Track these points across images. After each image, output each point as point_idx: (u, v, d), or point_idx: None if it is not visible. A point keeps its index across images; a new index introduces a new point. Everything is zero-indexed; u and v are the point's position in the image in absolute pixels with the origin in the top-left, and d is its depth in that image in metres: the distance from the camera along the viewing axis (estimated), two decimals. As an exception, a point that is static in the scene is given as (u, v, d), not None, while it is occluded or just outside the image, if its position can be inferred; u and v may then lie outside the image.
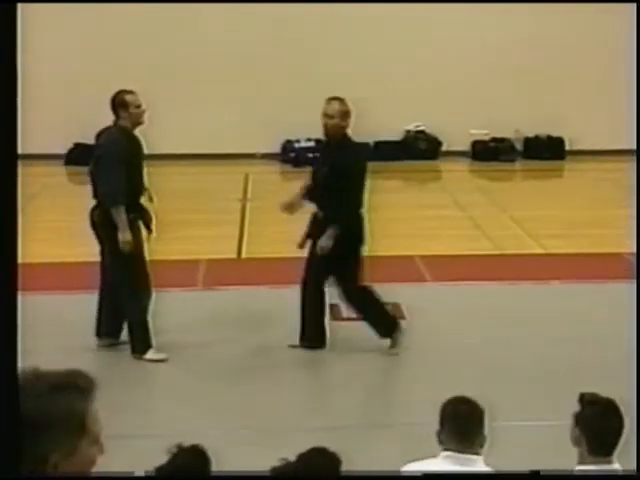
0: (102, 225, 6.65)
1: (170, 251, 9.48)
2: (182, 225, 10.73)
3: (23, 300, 6.92)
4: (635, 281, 7.64)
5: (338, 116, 6.63)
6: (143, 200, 6.87)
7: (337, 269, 6.76)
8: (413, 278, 8.67)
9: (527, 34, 14.75)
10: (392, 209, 11.71)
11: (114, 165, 6.52)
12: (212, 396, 6.28)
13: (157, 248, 9.70)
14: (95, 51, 14.52)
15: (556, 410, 5.10)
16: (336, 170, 6.58)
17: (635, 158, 12.85)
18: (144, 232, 6.79)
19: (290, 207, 6.95)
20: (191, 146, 14.52)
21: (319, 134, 16.96)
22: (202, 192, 12.61)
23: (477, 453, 3.51)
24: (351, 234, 6.73)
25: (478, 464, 3.48)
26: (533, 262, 9.38)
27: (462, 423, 3.52)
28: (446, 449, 3.51)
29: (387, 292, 8.12)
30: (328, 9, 14.63)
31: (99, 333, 6.90)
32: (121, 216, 6.52)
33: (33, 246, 9.82)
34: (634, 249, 8.25)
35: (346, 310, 7.54)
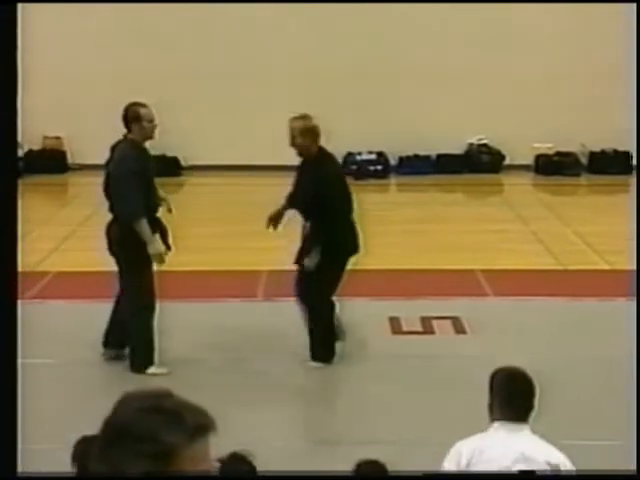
0: (117, 241, 6.64)
1: (231, 262, 9.55)
2: (244, 236, 10.79)
3: (94, 307, 6.92)
4: (635, 299, 7.50)
5: (298, 135, 6.67)
6: (161, 212, 6.85)
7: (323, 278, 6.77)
8: (474, 292, 8.59)
9: (593, 44, 14.56)
10: (454, 223, 11.63)
11: (128, 181, 6.51)
12: (261, 408, 6.29)
13: (218, 259, 9.80)
14: (157, 62, 14.73)
15: (617, 430, 5.01)
16: (313, 188, 6.66)
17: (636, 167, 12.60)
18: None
19: (274, 218, 7.05)
20: (251, 157, 14.61)
21: (381, 147, 16.95)
22: (262, 203, 12.66)
23: (525, 421, 3.73)
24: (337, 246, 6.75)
25: (525, 431, 3.72)
26: (598, 278, 9.22)
27: (512, 392, 3.75)
28: (495, 419, 3.73)
29: (448, 306, 8.06)
30: (386, 21, 14.63)
31: (107, 343, 6.88)
32: (145, 229, 6.50)
33: (108, 255, 10.00)
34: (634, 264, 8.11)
35: (406, 323, 7.50)
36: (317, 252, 6.65)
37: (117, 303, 6.91)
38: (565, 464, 3.72)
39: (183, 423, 1.79)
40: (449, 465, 3.76)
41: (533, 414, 3.79)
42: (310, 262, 6.66)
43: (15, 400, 2.79)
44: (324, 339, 6.84)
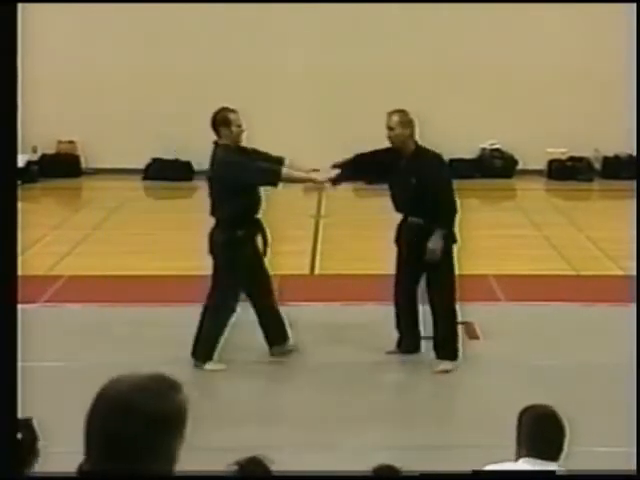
0: (218, 245, 6.75)
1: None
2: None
3: (107, 311, 6.94)
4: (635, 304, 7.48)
5: (398, 126, 6.77)
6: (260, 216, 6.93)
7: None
8: (486, 297, 8.58)
9: (608, 48, 14.52)
10: (466, 228, 11.57)
11: (246, 165, 6.63)
12: (277, 410, 6.30)
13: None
14: (171, 66, 14.78)
15: (626, 437, 4.99)
16: (425, 182, 6.68)
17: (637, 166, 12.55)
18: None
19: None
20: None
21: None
22: (276, 208, 12.68)
23: (555, 460, 3.57)
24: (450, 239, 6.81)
25: (554, 467, 3.55)
26: (611, 283, 9.19)
27: (543, 432, 3.57)
28: (521, 456, 3.58)
29: (460, 311, 8.05)
30: (399, 25, 14.64)
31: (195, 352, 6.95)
32: (291, 173, 6.72)
33: (122, 259, 10.05)
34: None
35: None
36: (440, 236, 6.64)
37: (205, 309, 6.91)
38: None
39: (182, 390, 1.84)
40: None
41: (563, 455, 3.61)
42: (434, 245, 6.60)
43: (15, 401, 2.81)
44: (453, 337, 6.86)
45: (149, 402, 1.78)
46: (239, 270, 6.72)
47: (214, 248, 6.83)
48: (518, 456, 3.63)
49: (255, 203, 6.85)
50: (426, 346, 7.04)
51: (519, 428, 3.66)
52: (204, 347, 6.86)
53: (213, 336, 6.85)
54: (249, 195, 6.77)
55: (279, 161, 6.85)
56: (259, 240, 6.89)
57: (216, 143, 6.83)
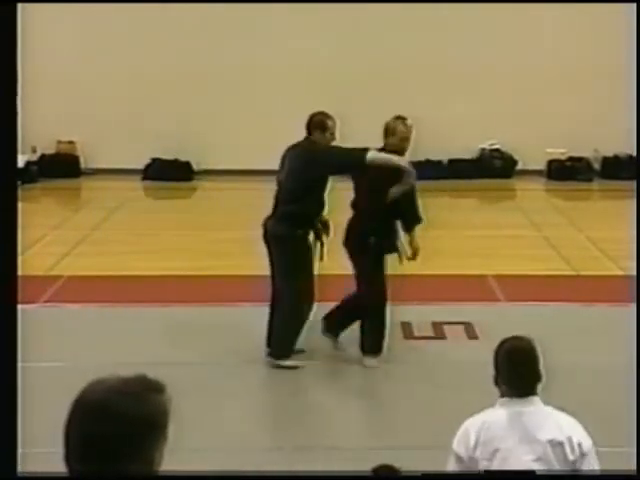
0: (274, 236, 6.69)
1: (243, 266, 9.57)
2: (256, 240, 10.80)
3: (105, 311, 6.97)
4: (635, 304, 7.48)
5: (411, 136, 6.73)
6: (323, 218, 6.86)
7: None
8: (486, 298, 8.59)
9: (608, 49, 14.53)
10: (466, 228, 11.62)
11: (329, 148, 6.53)
12: (274, 412, 6.30)
13: (224, 263, 9.82)
14: (171, 66, 14.79)
15: (626, 437, 4.99)
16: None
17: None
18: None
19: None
20: (264, 162, 14.64)
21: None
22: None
23: (534, 393, 3.66)
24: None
25: (535, 403, 3.65)
26: (611, 284, 9.19)
27: (517, 366, 3.66)
28: (502, 395, 3.67)
29: (459, 311, 8.06)
30: (399, 24, 14.65)
31: (269, 343, 6.96)
32: (383, 156, 6.40)
33: (121, 259, 10.06)
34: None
35: (418, 328, 7.51)
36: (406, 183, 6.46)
37: (272, 303, 6.90)
38: (571, 440, 3.61)
39: (165, 390, 1.85)
40: (458, 446, 3.68)
41: (541, 384, 3.72)
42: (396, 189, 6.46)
43: (15, 401, 2.81)
44: (382, 334, 6.88)
45: (127, 404, 1.78)
46: (303, 264, 6.63)
47: (274, 240, 6.71)
48: (500, 394, 3.69)
49: (320, 206, 6.74)
50: (428, 346, 7.04)
51: (495, 365, 3.72)
52: (282, 345, 6.76)
53: (291, 335, 6.76)
54: (317, 197, 6.66)
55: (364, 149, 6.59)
56: (315, 241, 6.81)
57: (307, 138, 6.72)
